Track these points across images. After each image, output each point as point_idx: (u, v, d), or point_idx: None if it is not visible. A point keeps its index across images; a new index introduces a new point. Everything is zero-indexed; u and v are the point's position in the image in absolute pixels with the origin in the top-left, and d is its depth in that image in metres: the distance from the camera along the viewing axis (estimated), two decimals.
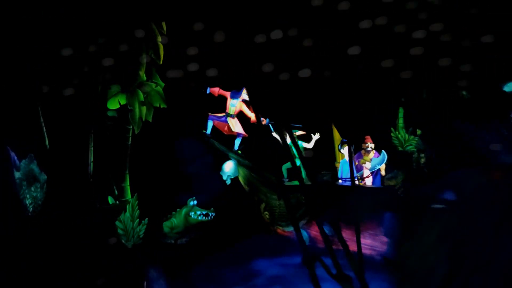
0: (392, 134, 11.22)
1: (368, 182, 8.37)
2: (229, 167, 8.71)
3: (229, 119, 8.70)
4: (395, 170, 8.06)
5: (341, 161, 8.26)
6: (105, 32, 6.60)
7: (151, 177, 7.65)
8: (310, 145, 8.72)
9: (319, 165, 8.91)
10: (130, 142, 7.34)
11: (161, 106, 7.69)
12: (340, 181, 8.03)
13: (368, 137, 8.77)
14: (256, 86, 8.67)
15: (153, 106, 7.55)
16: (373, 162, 8.44)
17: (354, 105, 10.27)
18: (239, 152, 8.83)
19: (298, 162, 8.72)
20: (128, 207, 7.03)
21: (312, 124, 8.81)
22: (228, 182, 8.74)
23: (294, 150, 8.82)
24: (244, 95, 8.75)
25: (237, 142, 8.83)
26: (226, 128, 8.85)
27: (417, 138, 11.19)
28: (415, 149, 11.03)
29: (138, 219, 7.17)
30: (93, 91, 6.85)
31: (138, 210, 7.15)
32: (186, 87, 8.05)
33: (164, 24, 7.46)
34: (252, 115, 8.75)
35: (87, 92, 6.77)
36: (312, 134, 8.76)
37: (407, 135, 11.19)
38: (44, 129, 6.26)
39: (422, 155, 10.75)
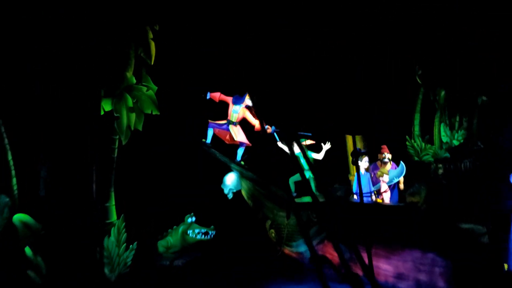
0: (407, 143, 10.50)
1: (386, 197, 7.53)
2: (231, 180, 8.01)
3: (231, 127, 7.98)
4: (417, 184, 7.21)
5: (356, 173, 7.41)
6: (85, 27, 5.81)
7: (142, 193, 6.81)
8: (320, 156, 7.93)
9: (331, 178, 8.12)
10: (116, 155, 6.48)
11: (153, 113, 6.83)
12: (355, 196, 7.18)
13: (385, 146, 7.96)
14: (260, 90, 8.11)
15: (143, 112, 6.69)
16: (391, 175, 7.60)
17: (362, 105, 9.71)
18: (242, 163, 8.09)
19: (307, 175, 8.03)
20: (113, 231, 6.19)
21: (323, 132, 8.03)
22: (230, 196, 8.03)
23: (303, 161, 8.12)
24: (248, 100, 8.03)
25: (240, 152, 8.13)
26: (227, 137, 8.13)
27: (434, 147, 10.45)
28: (432, 159, 10.27)
29: (125, 244, 6.34)
30: (85, 94, 6.07)
31: (126, 234, 6.31)
32: (183, 91, 7.28)
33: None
34: (256, 123, 8.06)
35: (74, 96, 5.99)
36: (322, 144, 7.97)
37: (423, 144, 10.44)
38: (6, 141, 5.39)
39: (440, 165, 9.99)
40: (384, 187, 7.49)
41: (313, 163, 8.02)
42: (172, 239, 7.43)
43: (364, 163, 7.19)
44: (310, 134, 7.98)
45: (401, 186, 7.72)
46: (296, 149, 8.20)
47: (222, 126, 8.03)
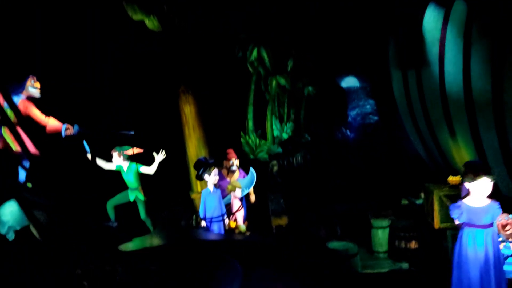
0: (242, 140, 9.30)
1: (240, 217, 5.97)
2: (9, 212, 5.32)
3: (5, 130, 5.34)
4: (272, 196, 5.85)
5: (202, 191, 5.58)
6: None
7: None
8: (151, 169, 5.84)
9: (168, 197, 6.15)
10: None
11: None
12: (203, 223, 5.40)
13: (231, 150, 6.37)
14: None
15: None
16: (241, 185, 6.08)
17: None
18: (29, 185, 5.53)
19: (134, 196, 5.91)
20: None
21: (154, 135, 5.99)
22: (11, 236, 5.37)
23: (128, 177, 5.93)
24: (32, 89, 5.47)
25: (22, 169, 5.49)
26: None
27: (268, 143, 9.55)
28: (266, 156, 9.36)
29: None
30: None
31: None
32: None
33: None
34: (48, 121, 5.57)
35: None
36: (154, 153, 5.90)
37: (258, 140, 9.41)
38: None
39: (274, 162, 9.15)
40: (236, 204, 5.91)
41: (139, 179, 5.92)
42: None
43: (212, 176, 5.44)
44: (133, 132, 5.85)
45: (252, 198, 6.29)
46: (117, 160, 5.98)
47: None
